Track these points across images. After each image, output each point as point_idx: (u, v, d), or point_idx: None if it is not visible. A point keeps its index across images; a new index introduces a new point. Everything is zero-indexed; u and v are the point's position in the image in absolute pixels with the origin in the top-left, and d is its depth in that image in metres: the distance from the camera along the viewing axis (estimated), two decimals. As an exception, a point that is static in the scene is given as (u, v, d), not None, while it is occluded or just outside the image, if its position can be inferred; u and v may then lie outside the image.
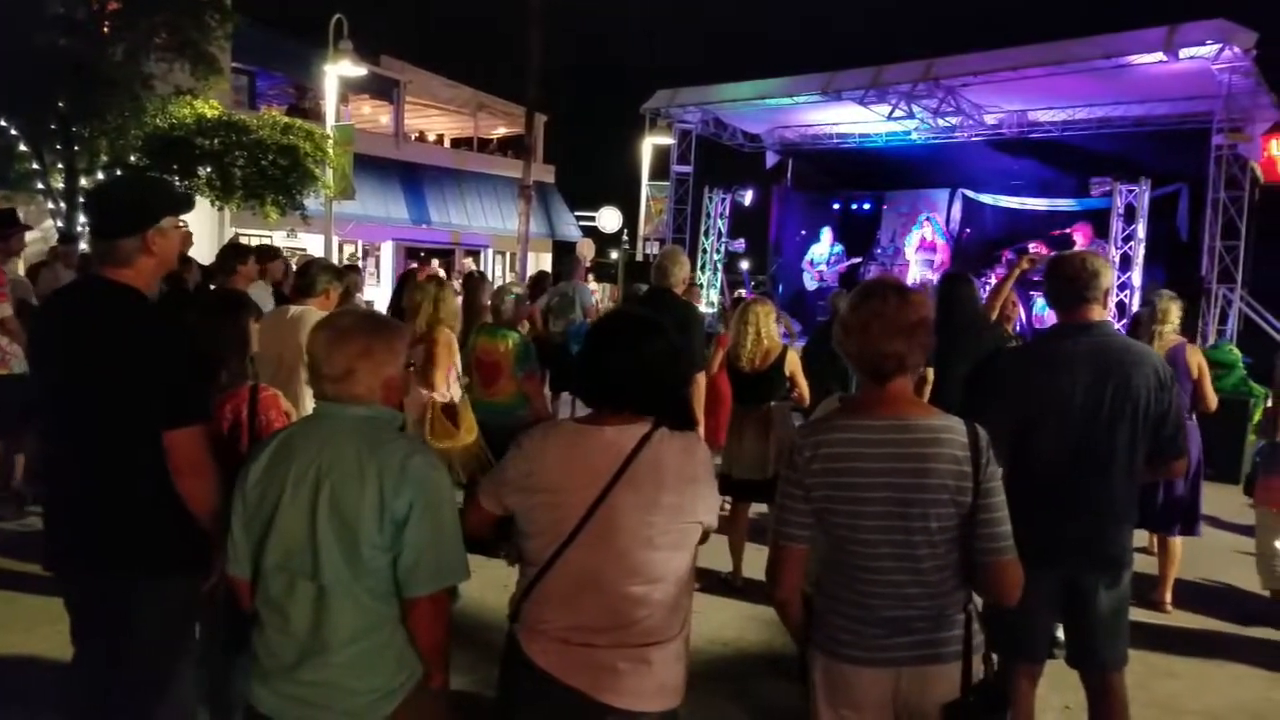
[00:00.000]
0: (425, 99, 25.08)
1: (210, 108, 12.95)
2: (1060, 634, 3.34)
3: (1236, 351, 9.15)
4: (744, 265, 20.17)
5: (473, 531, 2.13)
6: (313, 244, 16.91)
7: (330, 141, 13.61)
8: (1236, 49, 10.57)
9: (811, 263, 18.87)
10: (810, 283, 18.82)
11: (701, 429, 5.03)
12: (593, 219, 25.72)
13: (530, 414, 5.35)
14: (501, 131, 28.55)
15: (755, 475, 5.05)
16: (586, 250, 13.12)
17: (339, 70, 13.36)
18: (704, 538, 2.11)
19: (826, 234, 18.61)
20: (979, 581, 2.11)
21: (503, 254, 25.94)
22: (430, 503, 1.94)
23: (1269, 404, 5.90)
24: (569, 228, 27.24)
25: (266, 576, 1.99)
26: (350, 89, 18.78)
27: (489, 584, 4.34)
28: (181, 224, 2.58)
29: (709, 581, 5.21)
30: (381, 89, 23.00)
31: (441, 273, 11.19)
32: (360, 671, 1.95)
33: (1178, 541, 5.21)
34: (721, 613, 4.83)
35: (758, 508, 5.33)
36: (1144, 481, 3.11)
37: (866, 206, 19.02)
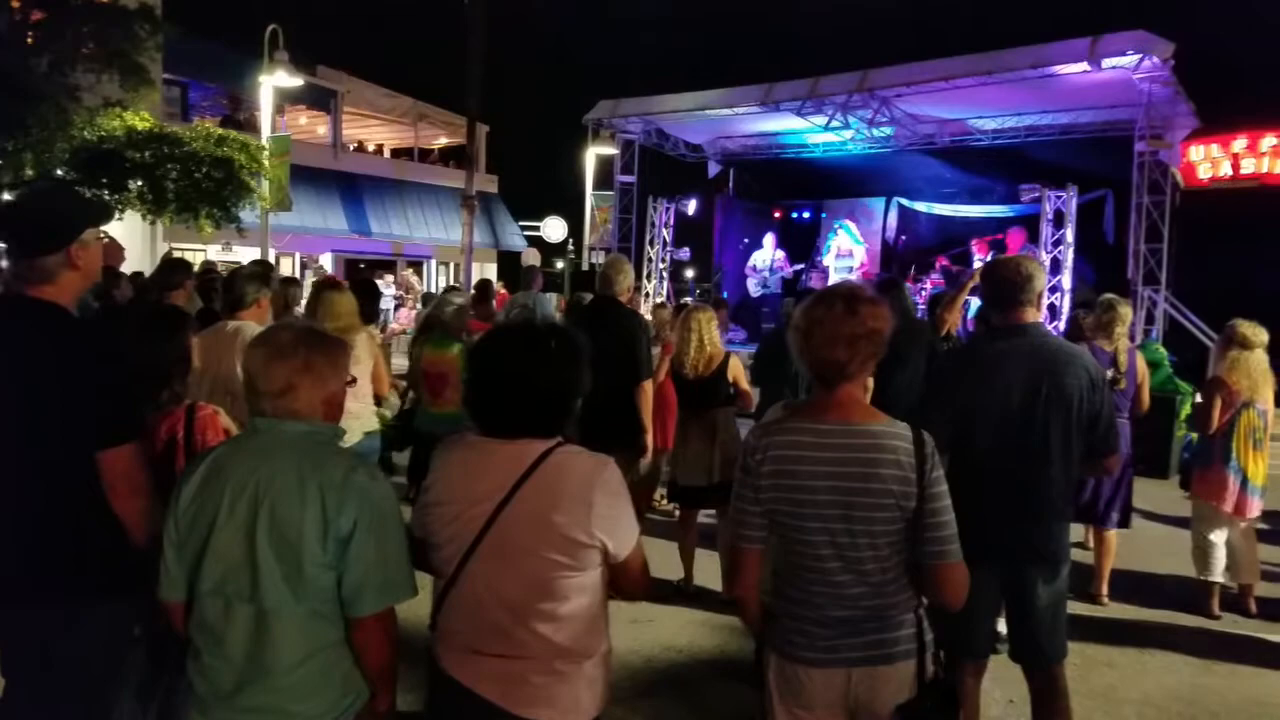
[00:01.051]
0: (364, 109, 24.81)
1: (141, 120, 12.63)
2: (1002, 629, 3.43)
3: (1163, 350, 9.47)
4: (689, 274, 20.31)
5: (425, 566, 2.09)
6: (249, 257, 16.58)
7: (266, 153, 13.37)
8: (1155, 59, 10.98)
9: (755, 269, 19.10)
10: (755, 289, 19.05)
11: (650, 436, 5.04)
12: (538, 229, 25.68)
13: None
14: (443, 141, 28.34)
15: (701, 481, 5.07)
16: (533, 260, 13.13)
17: (274, 81, 13.16)
18: (630, 572, 2.04)
19: (769, 241, 18.87)
20: (925, 583, 2.15)
21: (446, 264, 25.77)
22: (375, 519, 1.89)
23: (1198, 399, 6.12)
24: (514, 237, 27.14)
25: (202, 600, 1.93)
26: (287, 100, 18.49)
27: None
28: (103, 235, 2.52)
29: (660, 589, 5.23)
30: (319, 99, 22.69)
31: (339, 276, 11.07)
32: (304, 695, 1.90)
33: (1112, 535, 5.38)
34: (674, 619, 4.84)
35: (707, 513, 5.38)
36: (1079, 478, 3.21)
37: (806, 215, 19.38)
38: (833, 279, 17.57)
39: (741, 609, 2.30)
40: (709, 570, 5.22)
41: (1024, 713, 3.19)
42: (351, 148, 25.34)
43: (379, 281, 19.55)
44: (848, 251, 18.32)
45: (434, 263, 26.42)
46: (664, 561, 5.44)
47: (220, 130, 14.03)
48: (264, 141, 13.53)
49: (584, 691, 1.98)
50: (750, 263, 19.03)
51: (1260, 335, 5.19)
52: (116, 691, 2.38)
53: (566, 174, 19.97)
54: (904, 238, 17.98)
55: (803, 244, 19.03)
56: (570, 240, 24.26)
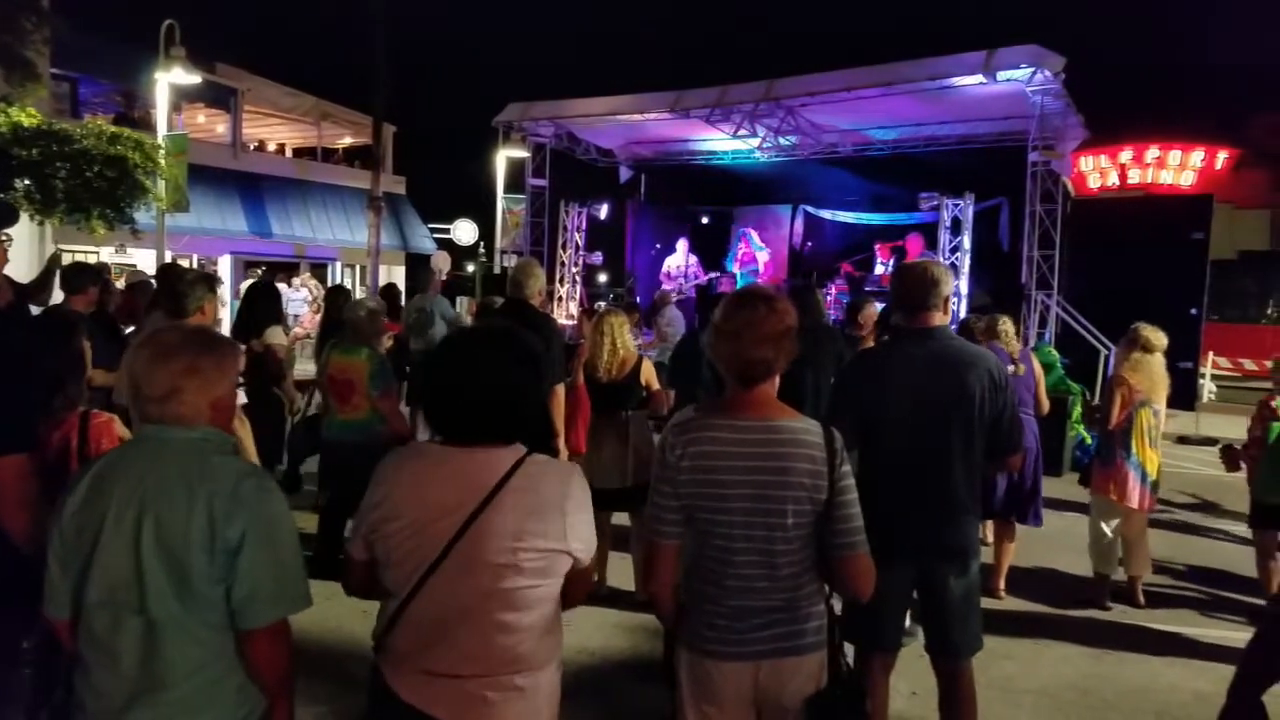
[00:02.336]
0: (265, 108, 24.05)
1: (28, 116, 11.96)
2: (909, 623, 3.52)
3: (1055, 353, 9.91)
4: (603, 278, 20.32)
5: (356, 590, 2.04)
6: (143, 259, 15.90)
7: (162, 152, 12.84)
8: (1047, 72, 11.45)
9: (669, 275, 19.24)
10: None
11: (562, 440, 5.03)
12: (448, 231, 25.30)
13: (388, 432, 5.22)
14: (348, 141, 27.67)
15: (614, 484, 5.08)
16: (442, 263, 12.92)
17: (171, 78, 12.65)
18: (584, 579, 2.06)
19: (682, 246, 19.04)
20: (834, 575, 2.21)
21: (352, 267, 25.13)
22: (265, 529, 1.82)
23: (1094, 400, 6.43)
24: (423, 240, 26.67)
25: (89, 614, 1.83)
26: (184, 97, 17.79)
27: (349, 611, 4.18)
28: (5, 238, 2.40)
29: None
30: (217, 97, 21.88)
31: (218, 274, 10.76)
32: (197, 708, 1.82)
33: (1015, 531, 5.60)
34: (586, 622, 4.83)
35: (620, 516, 5.38)
36: (985, 476, 3.32)
37: (717, 221, 19.62)
38: (739, 285, 17.84)
39: (656, 604, 2.32)
40: (622, 572, 5.24)
41: (926, 704, 3.29)
42: (252, 147, 24.56)
43: (289, 284, 19.07)
44: (751, 258, 18.64)
45: (339, 265, 25.76)
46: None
47: (113, 128, 13.36)
48: (160, 140, 12.99)
49: (543, 702, 1.96)
50: (665, 269, 19.17)
51: (1161, 340, 5.50)
52: (3, 709, 2.26)
53: (477, 176, 19.71)
54: (810, 244, 18.38)
55: (713, 250, 19.26)
56: (481, 243, 23.96)
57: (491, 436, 1.94)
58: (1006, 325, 5.91)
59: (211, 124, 24.06)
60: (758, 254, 18.56)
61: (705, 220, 19.70)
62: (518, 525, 1.87)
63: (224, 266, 22.25)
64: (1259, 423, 5.44)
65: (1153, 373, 5.43)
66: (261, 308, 6.48)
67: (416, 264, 26.36)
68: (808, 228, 18.41)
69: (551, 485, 1.93)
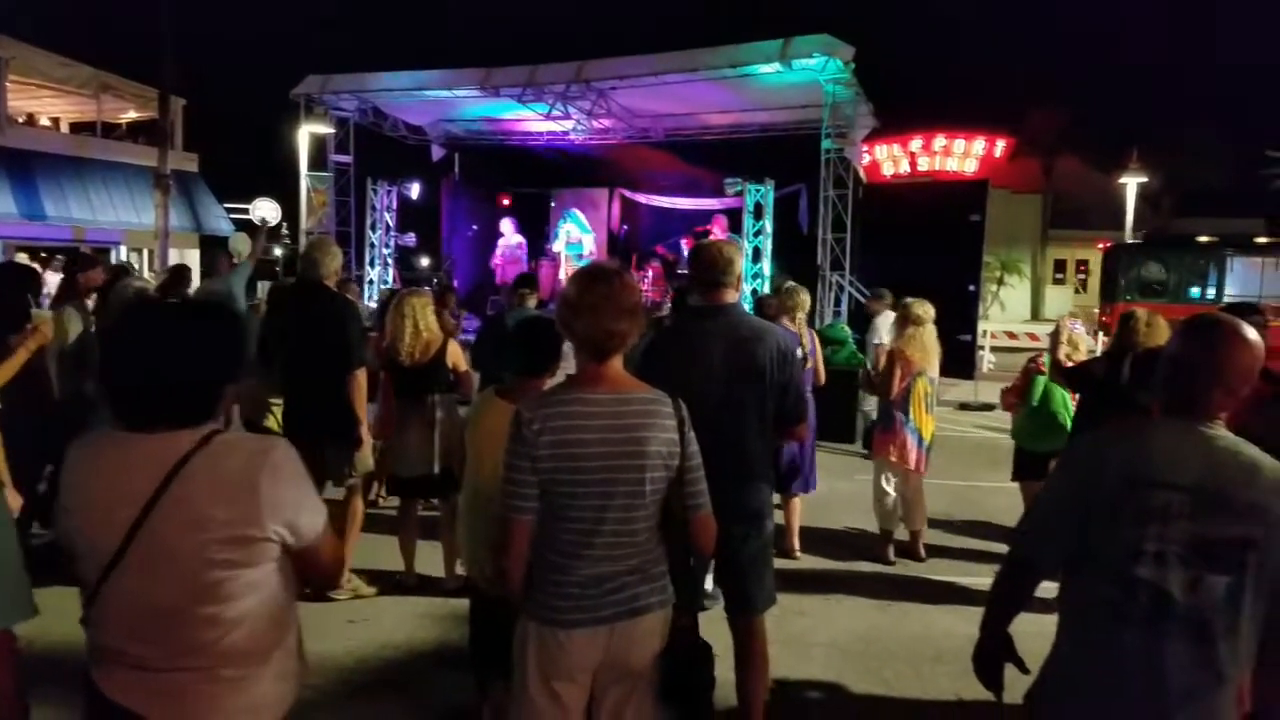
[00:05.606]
0: (35, 78, 21.70)
1: None
2: (709, 586, 3.67)
3: (847, 329, 10.52)
4: (424, 262, 19.73)
5: (75, 582, 1.85)
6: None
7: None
8: (839, 62, 12.07)
9: (503, 258, 18.92)
10: (499, 277, 18.89)
11: (365, 427, 4.87)
12: (248, 211, 23.85)
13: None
14: (132, 115, 25.49)
15: (421, 470, 4.97)
16: (241, 245, 12.08)
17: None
18: (314, 561, 1.91)
19: (508, 227, 18.75)
20: (686, 534, 2.33)
21: (139, 250, 23.23)
22: None
23: (871, 369, 6.87)
24: (218, 221, 24.98)
25: None
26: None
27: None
28: None
29: (381, 584, 5.08)
30: (-23, 66, 19.64)
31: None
32: None
33: (797, 496, 5.92)
34: (393, 615, 4.73)
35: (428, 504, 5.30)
36: (774, 445, 3.50)
37: (536, 203, 19.49)
38: (565, 267, 17.81)
39: (509, 580, 2.32)
40: (432, 561, 5.15)
41: (728, 663, 3.42)
42: (21, 121, 22.22)
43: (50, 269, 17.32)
44: (578, 240, 18.68)
45: (124, 249, 23.75)
46: (384, 556, 5.30)
47: None
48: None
49: (270, 687, 1.86)
50: (499, 252, 18.81)
51: (930, 312, 5.93)
52: None
53: (279, 154, 18.66)
54: (626, 227, 18.65)
55: (534, 231, 19.15)
56: (285, 224, 22.72)
57: (169, 418, 1.78)
58: (804, 296, 6.18)
59: (-30, 95, 21.55)
60: (584, 236, 18.58)
61: (523, 202, 19.50)
62: (201, 511, 1.73)
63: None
64: (1024, 376, 6.01)
65: (924, 344, 5.88)
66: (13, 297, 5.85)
67: (212, 246, 24.69)
68: (624, 211, 18.67)
69: (239, 464, 1.77)
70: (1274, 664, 1.91)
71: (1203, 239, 21.10)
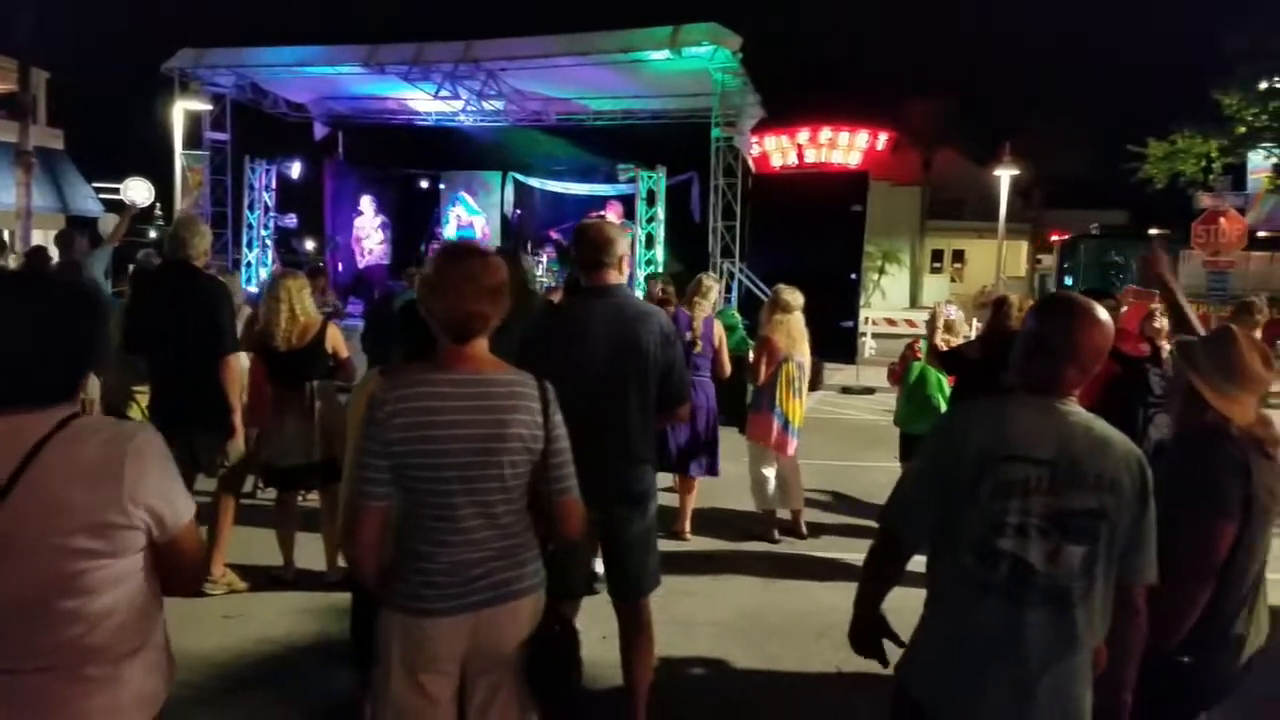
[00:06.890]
0: (-128, 44, 19.99)
1: None
2: (599, 569, 3.67)
3: (738, 316, 10.67)
4: (310, 245, 19.01)
5: None
6: None
7: None
8: (727, 51, 12.18)
9: (359, 239, 18.42)
10: (360, 260, 18.39)
11: (238, 415, 4.66)
12: (118, 192, 22.55)
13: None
14: (-10, 87, 23.77)
15: (299, 460, 4.80)
16: (110, 226, 11.43)
17: None
18: (179, 552, 1.81)
19: (369, 204, 18.23)
20: (550, 519, 2.27)
21: (-1, 231, 21.69)
22: None
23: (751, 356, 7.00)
24: (86, 201, 23.56)
25: None
26: None
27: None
28: None
29: (257, 579, 4.91)
30: None
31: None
32: None
33: (696, 480, 5.99)
34: (271, 609, 4.58)
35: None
36: (658, 427, 3.51)
37: (424, 185, 19.06)
38: None
39: (359, 568, 2.23)
40: (312, 554, 4.99)
41: (615, 648, 3.44)
42: None
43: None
44: (468, 223, 18.37)
45: (-21, 229, 22.15)
46: (261, 550, 5.12)
47: None
48: None
49: (140, 685, 1.77)
50: (355, 231, 18.30)
51: (798, 299, 6.06)
52: None
53: (151, 131, 17.63)
54: (519, 212, 18.42)
55: (422, 214, 18.72)
56: (159, 204, 21.59)
57: (21, 398, 1.68)
58: (711, 282, 6.23)
59: None
60: (474, 219, 18.29)
61: (411, 185, 19.05)
62: (59, 498, 1.64)
63: None
64: (901, 361, 6.23)
65: (793, 330, 6.02)
66: None
67: (82, 229, 23.27)
68: (518, 195, 18.44)
69: (99, 448, 1.69)
70: (1120, 627, 2.04)
71: (1153, 231, 22.18)
